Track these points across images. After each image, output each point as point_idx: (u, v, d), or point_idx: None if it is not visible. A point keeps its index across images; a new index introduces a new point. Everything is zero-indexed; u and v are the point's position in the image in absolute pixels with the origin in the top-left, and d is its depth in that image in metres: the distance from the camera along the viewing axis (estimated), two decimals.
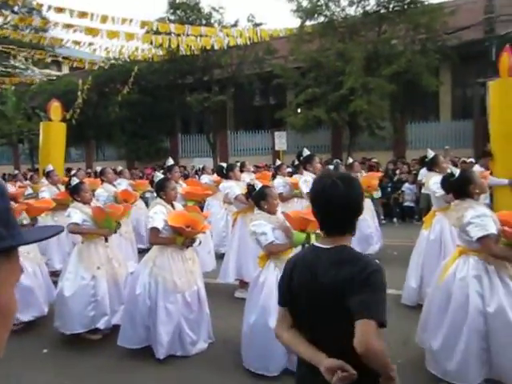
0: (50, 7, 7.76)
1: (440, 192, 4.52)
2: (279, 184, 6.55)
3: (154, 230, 4.05)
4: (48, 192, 7.15)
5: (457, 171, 3.58)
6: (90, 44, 12.42)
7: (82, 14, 8.14)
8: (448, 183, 3.63)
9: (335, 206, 1.71)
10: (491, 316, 3.20)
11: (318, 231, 3.75)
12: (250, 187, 4.26)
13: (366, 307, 1.57)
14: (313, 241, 3.66)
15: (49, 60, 11.55)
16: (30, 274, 4.89)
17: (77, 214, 4.54)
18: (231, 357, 4.06)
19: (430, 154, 5.54)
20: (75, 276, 4.46)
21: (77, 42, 12.34)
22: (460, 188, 3.47)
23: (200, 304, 4.20)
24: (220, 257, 6.41)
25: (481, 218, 3.22)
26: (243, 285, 5.75)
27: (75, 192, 4.77)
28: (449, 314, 3.35)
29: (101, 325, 4.46)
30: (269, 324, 3.59)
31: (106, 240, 4.60)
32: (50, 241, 6.83)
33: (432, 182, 5.10)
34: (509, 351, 3.16)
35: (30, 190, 8.24)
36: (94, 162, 21.72)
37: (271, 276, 3.74)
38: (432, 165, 5.44)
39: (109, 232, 4.60)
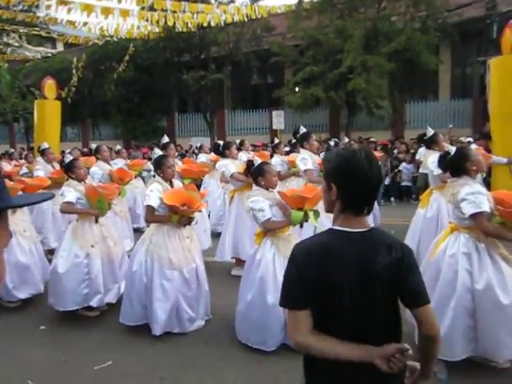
0: None
1: (437, 171, 4.48)
2: (277, 162, 6.52)
3: (150, 208, 4.02)
4: (43, 170, 7.08)
5: (453, 149, 3.52)
6: (85, 24, 12.17)
7: None
8: (445, 161, 3.58)
9: (371, 184, 1.59)
10: (479, 293, 3.19)
11: (316, 208, 3.76)
12: (250, 163, 4.22)
13: (423, 292, 1.59)
14: (311, 218, 3.64)
15: (43, 33, 11.31)
16: (26, 251, 4.88)
17: (71, 192, 4.49)
18: (228, 333, 4.09)
19: (430, 131, 5.48)
20: (69, 253, 4.44)
21: (71, 22, 12.09)
22: (456, 165, 3.42)
23: (199, 281, 4.20)
24: (217, 236, 6.40)
25: (475, 195, 3.19)
26: (239, 263, 5.76)
27: (69, 169, 4.71)
28: (436, 289, 3.34)
29: (94, 303, 4.45)
30: (267, 300, 3.62)
31: (97, 221, 4.57)
32: (45, 219, 6.83)
33: (430, 161, 5.06)
34: (495, 329, 3.16)
35: (25, 169, 8.17)
36: (91, 141, 21.53)
37: (268, 253, 3.74)
38: (431, 143, 5.39)
39: (100, 213, 4.56)
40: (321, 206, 3.80)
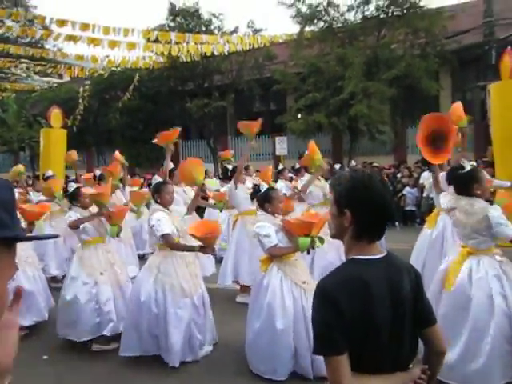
0: (52, 19, 7.80)
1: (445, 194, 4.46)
2: (282, 187, 6.56)
3: (169, 236, 3.97)
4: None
5: (468, 166, 3.43)
6: (93, 58, 12.46)
7: (85, 26, 8.17)
8: (454, 175, 3.51)
9: (387, 209, 1.53)
10: None
11: (321, 235, 3.74)
12: (256, 187, 4.23)
13: (433, 311, 1.64)
14: (318, 244, 3.62)
15: (49, 71, 11.63)
16: (30, 278, 4.87)
17: (77, 214, 4.52)
18: (235, 361, 4.03)
19: None
20: (77, 282, 4.42)
21: (80, 57, 12.36)
22: (464, 183, 3.37)
23: (205, 307, 4.19)
24: (220, 261, 6.38)
25: (502, 218, 3.21)
26: (244, 289, 5.74)
27: (74, 197, 4.74)
28: (470, 317, 3.21)
29: (107, 331, 4.39)
30: (276, 326, 3.58)
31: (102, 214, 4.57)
32: (47, 247, 6.82)
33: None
34: None
35: (32, 196, 8.19)
36: (95, 167, 21.72)
37: (274, 279, 3.72)
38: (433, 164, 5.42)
39: (101, 214, 4.56)
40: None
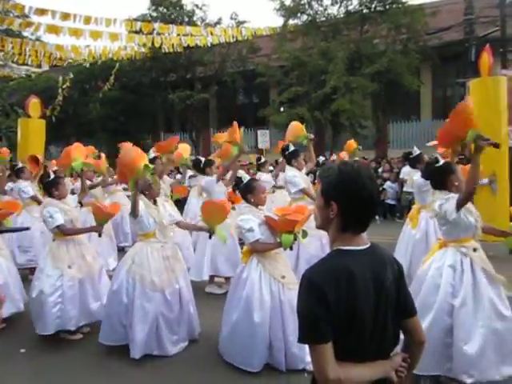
0: (31, 8, 7.58)
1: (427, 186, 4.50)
2: (263, 179, 6.58)
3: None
4: (31, 187, 6.85)
5: (441, 160, 3.50)
6: (74, 48, 12.20)
7: (66, 16, 7.98)
8: (430, 169, 3.57)
9: (374, 202, 1.56)
10: (456, 310, 3.15)
11: (304, 228, 3.73)
12: (238, 180, 4.21)
13: (413, 302, 1.67)
14: (300, 238, 3.61)
15: (29, 61, 11.34)
16: (3, 269, 4.78)
17: (57, 213, 4.37)
18: (214, 354, 4.02)
19: (416, 151, 5.59)
20: (43, 274, 4.34)
21: (60, 47, 12.09)
22: (440, 176, 3.41)
23: (181, 303, 4.12)
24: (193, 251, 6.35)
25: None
26: (212, 280, 5.85)
27: (53, 186, 4.59)
28: (417, 301, 3.28)
29: (71, 326, 4.33)
30: (253, 319, 3.60)
31: (100, 235, 4.49)
32: (33, 237, 6.66)
33: (416, 179, 5.15)
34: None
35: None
36: None
37: (254, 272, 3.73)
38: (416, 162, 5.51)
39: (101, 228, 4.47)
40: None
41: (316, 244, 4.99)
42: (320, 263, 1.56)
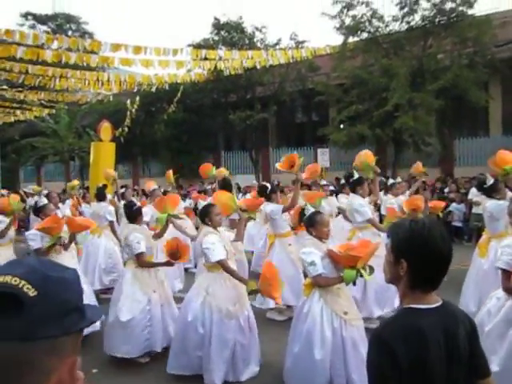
0: (106, 44, 8.17)
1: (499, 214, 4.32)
2: (324, 206, 6.51)
3: (223, 262, 4.02)
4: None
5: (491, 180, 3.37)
6: (144, 76, 12.90)
7: (137, 49, 8.53)
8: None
9: (446, 262, 1.54)
10: None
11: (370, 264, 3.65)
12: (301, 211, 4.24)
13: (487, 362, 1.62)
14: (365, 275, 3.53)
15: (100, 85, 12.14)
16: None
17: (143, 241, 4.62)
18: (274, 381, 4.04)
19: (490, 180, 5.33)
20: (131, 299, 4.56)
21: (132, 77, 12.79)
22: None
23: (250, 328, 4.22)
24: (258, 277, 6.39)
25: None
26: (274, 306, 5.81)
27: (140, 214, 4.88)
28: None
29: (157, 347, 4.56)
30: (314, 355, 3.58)
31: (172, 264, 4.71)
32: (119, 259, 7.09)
33: (490, 204, 4.93)
34: None
35: (84, 208, 8.57)
36: (141, 178, 22.38)
37: (315, 306, 3.71)
38: (492, 191, 5.22)
39: (173, 263, 4.66)
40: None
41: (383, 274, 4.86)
42: (390, 321, 1.58)
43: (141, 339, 4.49)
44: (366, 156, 5.62)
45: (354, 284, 3.66)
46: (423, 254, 1.50)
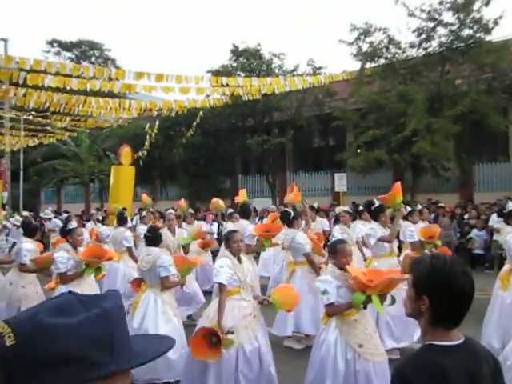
0: (129, 72, 8.48)
1: None
2: (337, 232, 6.49)
3: (221, 286, 4.03)
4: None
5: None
6: (164, 102, 13.23)
7: (159, 77, 8.81)
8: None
9: (468, 300, 1.52)
10: None
11: (380, 293, 3.59)
12: (327, 239, 4.25)
13: None
14: (375, 303, 3.45)
15: (121, 110, 12.46)
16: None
17: (172, 267, 4.69)
18: None
19: (510, 206, 5.27)
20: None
21: (152, 103, 13.13)
22: None
23: (261, 363, 4.05)
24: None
25: None
26: (292, 334, 5.78)
27: (161, 238, 4.98)
28: None
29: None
30: None
31: (182, 287, 4.80)
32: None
33: (510, 236, 4.84)
34: None
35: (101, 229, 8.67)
36: (159, 201, 22.61)
37: (331, 336, 3.67)
38: (510, 217, 5.15)
39: (184, 280, 4.78)
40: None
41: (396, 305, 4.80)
42: (412, 358, 1.56)
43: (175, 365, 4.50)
44: (396, 191, 5.57)
45: (365, 307, 3.60)
46: (445, 290, 1.49)
